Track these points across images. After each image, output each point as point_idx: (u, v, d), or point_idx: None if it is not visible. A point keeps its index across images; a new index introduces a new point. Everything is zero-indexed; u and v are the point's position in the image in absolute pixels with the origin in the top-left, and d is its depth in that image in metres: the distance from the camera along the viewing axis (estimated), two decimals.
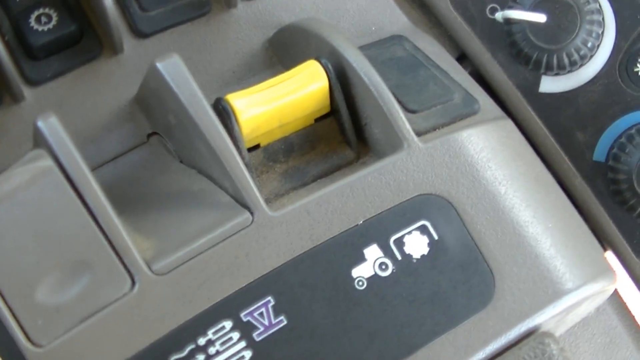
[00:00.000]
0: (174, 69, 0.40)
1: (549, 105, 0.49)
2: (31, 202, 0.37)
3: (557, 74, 0.48)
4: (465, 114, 0.44)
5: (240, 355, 0.37)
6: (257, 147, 0.42)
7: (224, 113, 0.40)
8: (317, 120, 0.43)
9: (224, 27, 0.47)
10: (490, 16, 0.49)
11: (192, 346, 0.37)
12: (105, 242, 0.37)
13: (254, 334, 0.38)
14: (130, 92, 0.45)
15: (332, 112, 0.43)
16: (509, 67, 0.49)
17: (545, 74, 0.48)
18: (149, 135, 0.44)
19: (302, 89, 0.41)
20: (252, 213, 0.39)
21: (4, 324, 0.36)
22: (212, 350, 0.37)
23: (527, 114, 0.49)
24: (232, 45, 0.46)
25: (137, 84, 0.44)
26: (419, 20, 0.50)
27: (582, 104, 0.48)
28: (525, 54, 0.48)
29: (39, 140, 0.38)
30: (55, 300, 0.36)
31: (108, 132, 0.44)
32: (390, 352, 0.38)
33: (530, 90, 0.49)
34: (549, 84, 0.48)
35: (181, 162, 0.43)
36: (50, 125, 0.38)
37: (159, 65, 0.40)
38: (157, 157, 0.43)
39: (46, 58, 0.45)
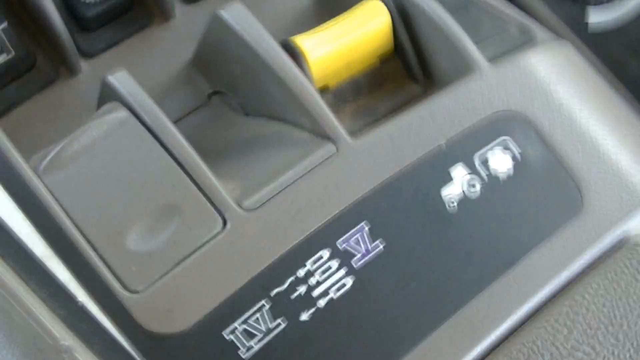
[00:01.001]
0: (238, 14, 0.40)
1: (599, 37, 0.48)
2: (111, 152, 0.36)
3: (604, 5, 0.48)
4: (523, 42, 0.43)
5: (341, 283, 0.36)
6: (325, 89, 0.41)
7: (294, 54, 0.40)
8: (382, 61, 0.42)
9: None
10: None
11: (292, 278, 0.36)
12: (191, 184, 0.36)
13: (353, 261, 0.36)
14: (185, 56, 0.44)
15: (396, 50, 0.42)
16: (553, 2, 0.48)
17: (592, 4, 0.48)
18: (210, 96, 0.43)
19: (366, 25, 0.41)
20: (334, 143, 0.38)
21: (99, 273, 0.35)
22: (312, 280, 0.36)
23: (577, 48, 0.48)
24: None
25: (191, 48, 0.44)
26: None
27: (634, 31, 0.48)
28: None
29: (110, 95, 0.38)
30: (148, 246, 0.36)
31: (166, 97, 0.43)
32: (488, 268, 0.37)
33: (578, 24, 0.48)
34: (597, 16, 0.48)
35: (247, 115, 0.42)
36: (122, 78, 0.37)
37: (222, 12, 0.39)
38: (221, 115, 0.43)
39: (98, 29, 0.44)
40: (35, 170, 0.36)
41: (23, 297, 0.34)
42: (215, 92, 0.44)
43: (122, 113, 0.37)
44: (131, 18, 0.45)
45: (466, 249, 0.37)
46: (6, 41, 0.42)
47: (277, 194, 0.37)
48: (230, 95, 0.43)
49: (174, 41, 0.45)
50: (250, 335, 0.35)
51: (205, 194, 0.36)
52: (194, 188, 0.36)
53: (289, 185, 0.37)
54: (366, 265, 0.37)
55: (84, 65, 0.43)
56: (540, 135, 0.40)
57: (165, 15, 0.45)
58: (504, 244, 0.38)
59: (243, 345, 0.35)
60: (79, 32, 0.44)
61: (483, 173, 0.38)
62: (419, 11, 0.41)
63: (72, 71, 0.43)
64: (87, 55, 0.44)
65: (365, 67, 0.42)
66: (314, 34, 0.40)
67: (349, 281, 0.36)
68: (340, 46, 0.40)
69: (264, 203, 0.37)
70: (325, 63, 0.40)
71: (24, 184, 0.35)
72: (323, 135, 0.38)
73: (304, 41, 0.40)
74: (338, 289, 0.36)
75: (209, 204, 0.36)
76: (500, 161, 0.39)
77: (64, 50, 0.42)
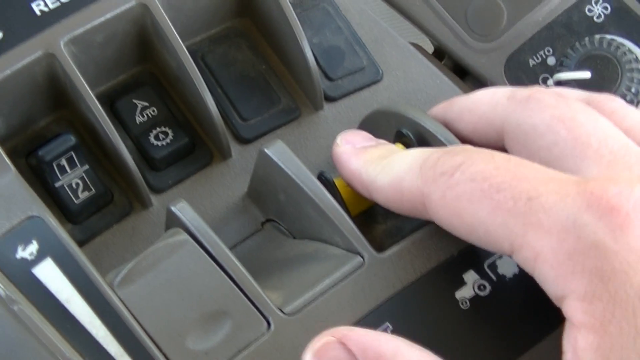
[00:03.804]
0: (280, 151, 0.47)
1: None
2: (173, 269, 0.43)
3: None
4: None
5: None
6: (358, 214, 0.48)
7: (327, 183, 0.47)
8: None
9: (314, 126, 0.54)
10: (544, 85, 0.56)
11: None
12: (240, 294, 0.43)
13: None
14: (241, 189, 0.52)
15: None
16: None
17: None
18: (263, 223, 0.51)
19: None
20: (362, 257, 0.45)
21: None
22: None
23: None
24: (323, 140, 0.53)
25: (246, 183, 0.51)
26: None
27: None
28: None
29: (173, 222, 0.45)
30: (204, 346, 0.42)
31: (225, 225, 0.51)
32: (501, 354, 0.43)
33: None
34: None
35: (294, 238, 0.49)
36: (183, 207, 0.45)
37: (267, 150, 0.47)
38: (272, 239, 0.50)
39: (166, 169, 0.52)
40: (110, 284, 0.43)
41: None
42: (268, 220, 0.51)
43: (182, 236, 0.44)
44: (194, 159, 0.52)
45: (479, 340, 0.43)
46: (88, 181, 0.50)
47: (313, 300, 0.44)
48: (280, 221, 0.50)
49: (231, 177, 0.52)
50: None
51: (252, 302, 0.43)
52: (243, 297, 0.43)
53: (323, 293, 0.44)
54: None
55: (155, 200, 0.51)
56: None
57: (223, 155, 0.52)
58: (514, 335, 0.44)
59: None
60: (149, 171, 0.51)
61: (492, 276, 0.45)
62: (435, 139, 0.48)
63: (144, 205, 0.51)
64: (157, 191, 0.51)
65: None
66: None
67: None
68: None
69: (302, 308, 0.43)
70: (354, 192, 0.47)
71: (102, 296, 0.42)
72: (353, 250, 0.45)
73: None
74: None
75: (255, 310, 0.43)
76: (508, 266, 0.45)
77: (137, 187, 0.50)
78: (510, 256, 0.40)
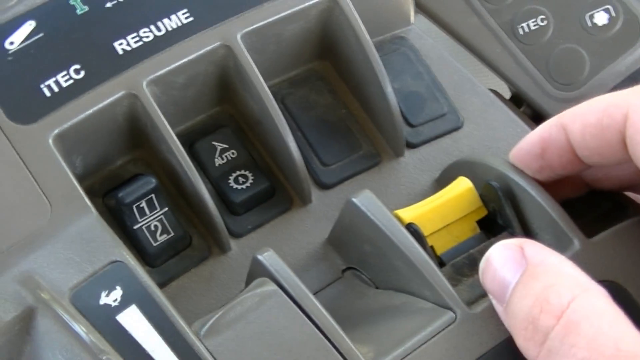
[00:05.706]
0: (369, 201, 0.46)
1: None
2: (262, 320, 0.42)
3: None
4: (616, 217, 0.49)
5: None
6: (443, 264, 0.47)
7: (416, 234, 0.46)
8: (483, 227, 0.48)
9: (395, 173, 0.53)
10: None
11: None
12: (332, 348, 0.42)
13: None
14: (320, 236, 0.51)
15: (504, 227, 0.48)
16: None
17: None
18: (343, 271, 0.50)
19: (451, 192, 0.49)
20: (454, 312, 0.43)
21: None
22: None
23: None
24: (404, 188, 0.52)
25: (326, 229, 0.50)
26: None
27: None
28: None
29: (259, 271, 0.44)
30: None
31: (305, 272, 0.50)
32: None
33: None
34: None
35: (377, 288, 0.48)
36: (270, 257, 0.44)
37: (355, 200, 0.46)
38: (354, 287, 0.49)
39: (245, 213, 0.51)
40: (197, 334, 0.42)
41: None
42: (349, 268, 0.50)
43: (271, 287, 0.43)
44: (273, 203, 0.52)
45: None
46: (167, 224, 0.49)
47: (405, 356, 0.42)
48: (362, 270, 0.49)
49: (310, 223, 0.51)
50: None
51: (343, 356, 0.42)
52: (334, 351, 0.42)
53: (415, 349, 0.43)
54: None
55: (233, 245, 0.50)
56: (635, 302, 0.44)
57: (303, 200, 0.51)
58: None
59: None
60: (227, 215, 0.51)
61: None
62: (526, 193, 0.47)
63: (223, 249, 0.50)
64: (236, 235, 0.50)
65: (467, 231, 0.48)
66: (422, 211, 0.47)
67: None
68: (431, 209, 0.48)
69: None
70: (421, 222, 0.47)
71: (188, 346, 0.41)
72: (444, 305, 0.44)
73: (405, 213, 0.47)
74: None
75: None
76: None
77: (216, 231, 0.49)
78: None
